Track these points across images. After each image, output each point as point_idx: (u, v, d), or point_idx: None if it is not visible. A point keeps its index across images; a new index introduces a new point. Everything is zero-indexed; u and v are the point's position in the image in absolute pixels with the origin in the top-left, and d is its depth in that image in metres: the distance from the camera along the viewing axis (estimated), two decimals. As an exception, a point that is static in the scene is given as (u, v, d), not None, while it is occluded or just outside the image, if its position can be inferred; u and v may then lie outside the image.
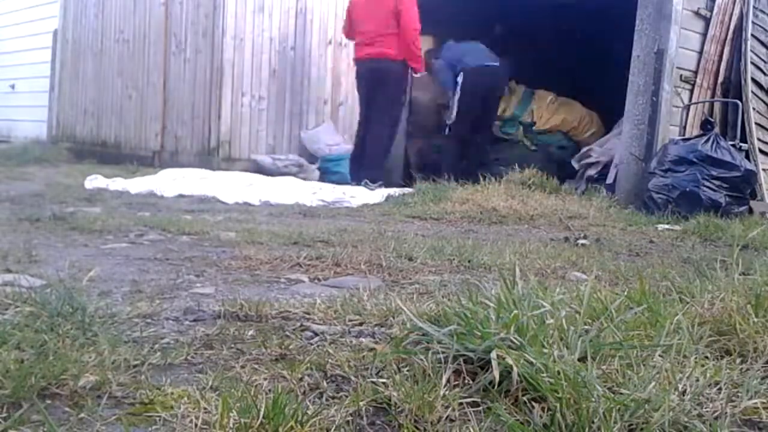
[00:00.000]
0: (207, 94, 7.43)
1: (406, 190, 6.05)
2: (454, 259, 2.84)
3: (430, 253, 2.93)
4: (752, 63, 6.14)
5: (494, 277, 2.50)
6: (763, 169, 5.90)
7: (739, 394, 1.07)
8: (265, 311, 1.71)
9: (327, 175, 7.14)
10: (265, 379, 1.25)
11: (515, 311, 1.28)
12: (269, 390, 1.19)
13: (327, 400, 1.15)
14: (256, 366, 1.33)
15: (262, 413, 0.99)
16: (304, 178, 6.81)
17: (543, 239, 3.83)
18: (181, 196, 5.36)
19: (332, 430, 1.02)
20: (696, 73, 6.05)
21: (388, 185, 6.38)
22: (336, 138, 7.60)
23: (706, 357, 1.30)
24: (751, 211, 5.36)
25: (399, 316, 1.57)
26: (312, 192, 5.62)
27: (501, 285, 1.47)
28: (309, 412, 1.03)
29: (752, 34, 6.15)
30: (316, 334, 1.53)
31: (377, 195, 5.76)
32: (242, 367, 1.33)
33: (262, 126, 7.41)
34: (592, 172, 6.97)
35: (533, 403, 1.09)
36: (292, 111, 7.61)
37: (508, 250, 3.08)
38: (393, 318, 1.61)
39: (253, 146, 7.36)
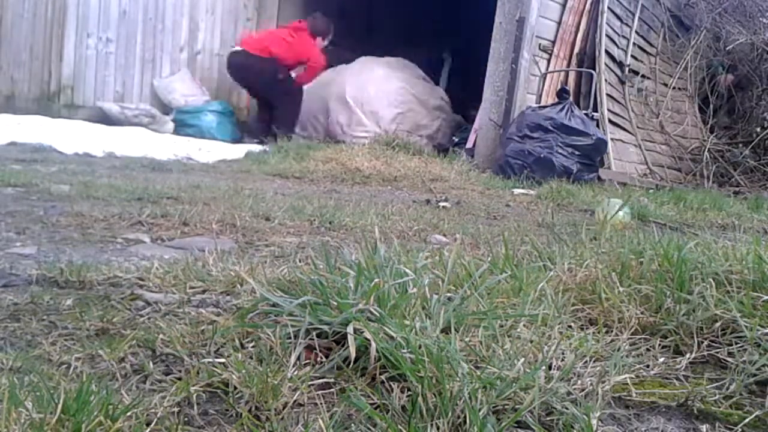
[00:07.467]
0: (48, 33, 6.70)
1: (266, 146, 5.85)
2: (314, 220, 2.69)
3: (290, 213, 2.77)
4: (607, 35, 6.38)
5: (355, 239, 2.39)
6: (612, 139, 6.19)
7: (608, 369, 1.00)
8: (89, 277, 1.47)
9: (182, 127, 6.70)
10: (78, 359, 1.05)
11: (376, 279, 1.15)
12: (82, 373, 0.99)
13: (152, 385, 0.97)
14: (69, 343, 1.11)
15: (60, 407, 0.80)
16: (156, 130, 6.34)
17: (405, 201, 3.78)
18: (13, 144, 4.83)
19: (153, 424, 0.84)
20: (554, 42, 6.21)
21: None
22: (193, 88, 7.11)
23: (570, 326, 1.25)
24: (599, 178, 5.62)
25: (248, 283, 1.40)
26: (163, 144, 5.23)
27: (362, 249, 1.34)
28: (125, 403, 0.84)
29: (608, 7, 6.38)
30: (149, 304, 1.31)
31: (237, 151, 5.49)
32: (52, 344, 1.11)
33: (109, 71, 6.77)
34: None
35: (392, 384, 0.97)
36: (144, 57, 7.01)
37: (371, 212, 2.99)
38: (241, 285, 1.44)
39: (99, 93, 6.73)
